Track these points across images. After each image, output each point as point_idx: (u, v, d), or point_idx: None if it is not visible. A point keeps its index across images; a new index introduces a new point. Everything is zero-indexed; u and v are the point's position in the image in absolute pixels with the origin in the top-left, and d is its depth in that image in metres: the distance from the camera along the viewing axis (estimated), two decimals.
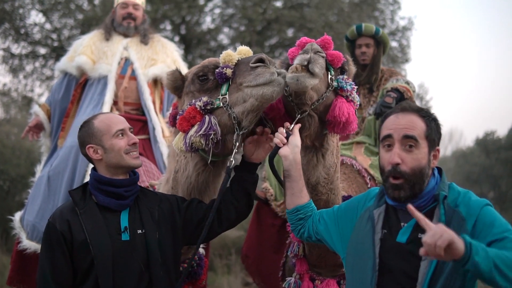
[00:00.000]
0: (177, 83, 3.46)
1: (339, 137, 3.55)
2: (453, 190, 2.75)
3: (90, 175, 3.19)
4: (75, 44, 6.28)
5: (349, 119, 3.17)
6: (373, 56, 5.79)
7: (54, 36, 15.32)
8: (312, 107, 3.13)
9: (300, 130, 3.18)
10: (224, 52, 3.21)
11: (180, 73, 3.49)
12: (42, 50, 15.56)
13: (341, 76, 3.23)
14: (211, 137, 3.11)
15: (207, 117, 3.13)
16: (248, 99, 3.06)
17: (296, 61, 2.98)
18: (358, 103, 3.29)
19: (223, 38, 16.53)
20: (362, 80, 5.72)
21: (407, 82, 5.48)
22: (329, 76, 3.15)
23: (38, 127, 6.12)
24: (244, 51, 3.25)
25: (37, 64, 15.70)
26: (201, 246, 5.06)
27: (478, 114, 63.04)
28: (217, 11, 16.51)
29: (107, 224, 3.06)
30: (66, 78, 6.09)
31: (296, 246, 3.85)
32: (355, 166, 4.82)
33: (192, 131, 3.14)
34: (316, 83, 2.99)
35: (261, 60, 3.05)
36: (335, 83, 3.17)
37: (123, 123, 3.22)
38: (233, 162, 3.24)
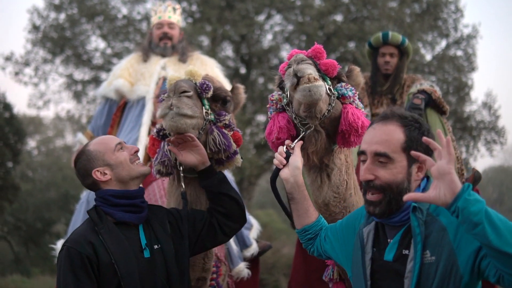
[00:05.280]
0: None
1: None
2: None
3: (99, 195, 3.13)
4: (114, 68, 6.25)
5: (364, 124, 3.01)
6: (396, 66, 5.66)
7: (115, 60, 15.55)
8: (319, 121, 2.99)
9: (307, 147, 3.05)
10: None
11: None
12: (104, 75, 15.82)
13: (339, 84, 3.08)
14: (165, 164, 3.28)
15: (162, 144, 3.31)
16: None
17: (288, 84, 2.87)
18: (363, 109, 3.14)
19: (285, 56, 16.40)
20: (384, 90, 5.66)
21: (432, 86, 5.42)
22: (327, 87, 2.97)
23: None
24: (173, 79, 3.25)
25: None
26: (247, 266, 4.92)
27: None
28: (277, 28, 16.41)
29: (129, 243, 3.00)
30: (108, 103, 6.03)
31: (330, 270, 3.63)
32: None
33: (154, 159, 3.35)
34: (325, 91, 2.89)
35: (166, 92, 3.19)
36: (335, 92, 3.02)
37: (117, 139, 3.26)
38: (183, 187, 3.35)
